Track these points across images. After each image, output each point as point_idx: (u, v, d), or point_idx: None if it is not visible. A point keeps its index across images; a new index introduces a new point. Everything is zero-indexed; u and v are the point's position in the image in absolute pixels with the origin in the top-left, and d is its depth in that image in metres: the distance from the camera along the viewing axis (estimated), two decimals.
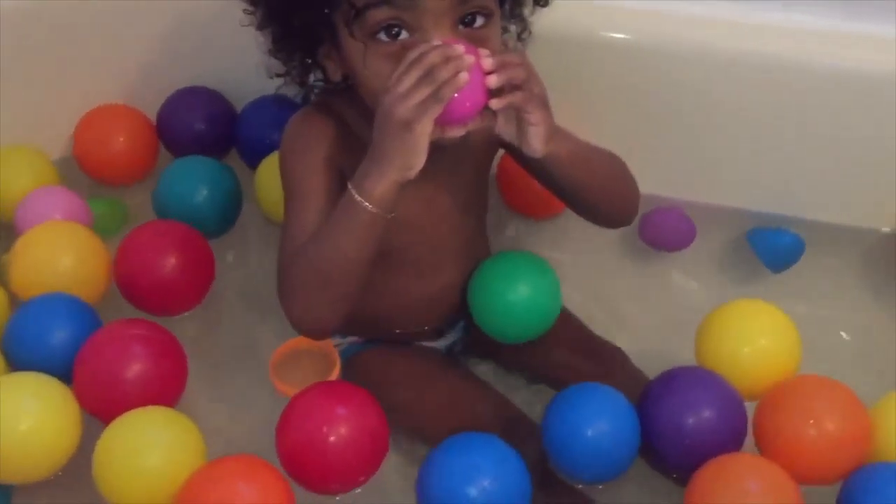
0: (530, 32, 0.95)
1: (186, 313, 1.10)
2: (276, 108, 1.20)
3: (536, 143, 0.84)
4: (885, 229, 1.21)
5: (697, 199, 1.23)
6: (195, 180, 1.15)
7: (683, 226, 1.20)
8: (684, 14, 1.15)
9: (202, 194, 1.14)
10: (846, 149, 1.16)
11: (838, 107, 1.14)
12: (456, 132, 0.81)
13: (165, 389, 0.97)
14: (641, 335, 1.11)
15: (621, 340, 1.06)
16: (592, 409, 0.90)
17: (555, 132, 0.85)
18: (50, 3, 1.19)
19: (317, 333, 0.94)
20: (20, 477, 0.93)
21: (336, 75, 0.91)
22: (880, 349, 1.10)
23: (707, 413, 0.89)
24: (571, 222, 1.00)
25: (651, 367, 0.99)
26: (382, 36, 0.82)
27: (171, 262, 1.05)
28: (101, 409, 0.95)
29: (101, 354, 0.95)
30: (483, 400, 1.00)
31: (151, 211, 1.17)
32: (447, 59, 0.77)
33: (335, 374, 1.02)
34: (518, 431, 0.95)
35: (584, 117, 1.03)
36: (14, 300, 1.06)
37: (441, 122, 0.80)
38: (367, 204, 0.81)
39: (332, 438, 0.87)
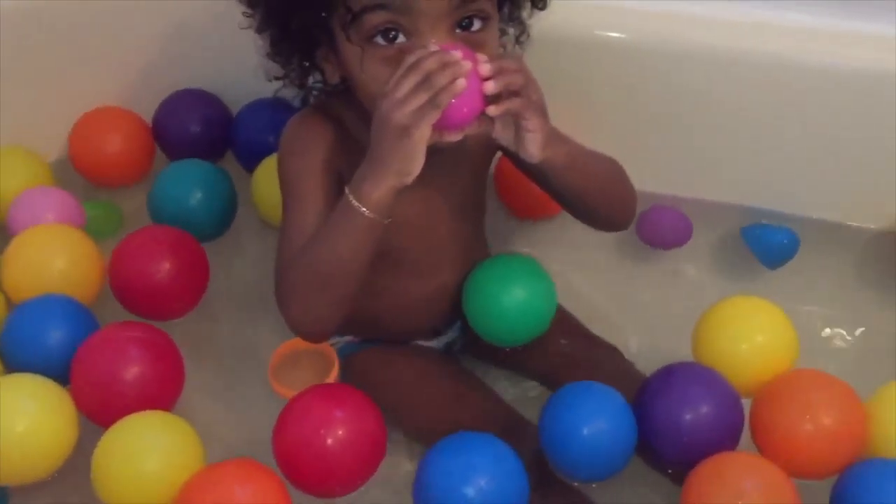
0: (528, 36, 0.95)
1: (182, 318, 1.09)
2: (272, 111, 1.20)
3: (533, 149, 0.84)
4: (884, 228, 1.21)
5: (695, 196, 1.23)
6: (190, 183, 1.15)
7: (680, 223, 1.20)
8: (682, 13, 1.15)
9: (197, 197, 1.14)
10: (845, 147, 1.16)
11: (837, 106, 1.14)
12: (453, 137, 0.81)
13: (162, 392, 0.97)
14: (638, 333, 1.11)
15: (618, 338, 1.06)
16: (589, 407, 0.90)
17: (552, 137, 0.85)
18: (46, 4, 1.19)
19: (314, 336, 0.94)
20: (17, 478, 0.93)
21: (334, 77, 0.90)
22: (877, 347, 1.10)
23: (704, 409, 0.89)
24: (569, 221, 0.99)
25: (648, 364, 0.99)
26: (379, 40, 0.82)
27: (164, 267, 1.04)
28: (98, 411, 0.95)
29: (98, 357, 0.95)
30: (480, 399, 1.00)
31: (147, 214, 1.17)
32: (444, 65, 0.77)
33: (334, 375, 1.02)
34: (515, 431, 0.95)
35: (582, 116, 1.03)
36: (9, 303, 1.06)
37: (438, 128, 0.79)
38: (363, 209, 0.81)
39: (329, 441, 0.87)
